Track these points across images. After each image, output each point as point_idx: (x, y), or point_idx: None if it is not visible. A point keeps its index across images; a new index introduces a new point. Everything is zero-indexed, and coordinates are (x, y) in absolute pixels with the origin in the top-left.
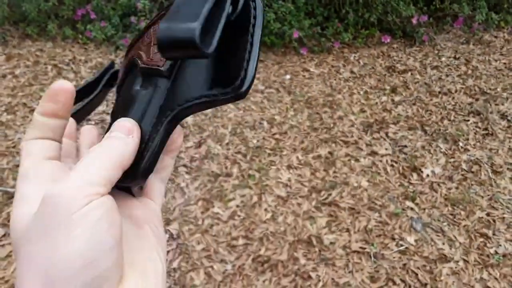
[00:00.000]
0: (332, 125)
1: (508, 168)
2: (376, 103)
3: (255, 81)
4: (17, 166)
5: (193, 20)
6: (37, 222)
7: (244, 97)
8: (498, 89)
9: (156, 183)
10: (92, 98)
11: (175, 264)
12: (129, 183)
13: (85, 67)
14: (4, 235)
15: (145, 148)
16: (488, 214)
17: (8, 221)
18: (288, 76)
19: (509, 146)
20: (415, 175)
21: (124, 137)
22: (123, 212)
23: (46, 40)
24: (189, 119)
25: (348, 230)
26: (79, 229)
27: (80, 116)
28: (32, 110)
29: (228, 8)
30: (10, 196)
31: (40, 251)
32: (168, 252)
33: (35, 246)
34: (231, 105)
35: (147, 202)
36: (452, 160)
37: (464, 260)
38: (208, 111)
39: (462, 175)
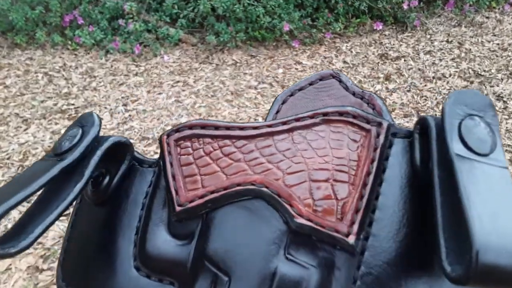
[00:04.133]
0: None
1: (506, 150)
2: (371, 92)
3: (248, 77)
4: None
5: None
6: None
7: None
8: (493, 71)
9: None
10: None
11: None
12: None
13: (75, 73)
14: None
15: None
16: None
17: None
18: (280, 70)
19: (506, 127)
20: None
21: None
22: None
23: (36, 48)
24: (183, 119)
25: None
26: None
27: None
28: (25, 120)
29: (81, 183)
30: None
31: None
32: None
33: None
34: (224, 103)
35: None
36: None
37: None
38: (202, 110)
39: None
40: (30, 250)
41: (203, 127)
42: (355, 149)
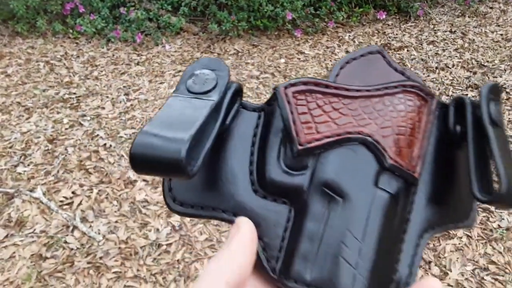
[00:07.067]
0: None
1: (509, 141)
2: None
3: (250, 67)
4: (15, 166)
5: (182, 137)
6: None
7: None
8: (496, 61)
9: None
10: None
11: (178, 256)
12: None
13: (77, 62)
14: (6, 236)
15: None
16: None
17: (9, 221)
18: (283, 60)
19: (509, 118)
20: None
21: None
22: None
23: (37, 36)
24: None
25: None
26: None
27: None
28: (27, 109)
29: (220, 120)
30: (10, 197)
31: None
32: (171, 244)
33: None
34: None
35: None
36: None
37: (468, 236)
38: None
39: None
40: (34, 238)
41: (316, 84)
42: (419, 113)
